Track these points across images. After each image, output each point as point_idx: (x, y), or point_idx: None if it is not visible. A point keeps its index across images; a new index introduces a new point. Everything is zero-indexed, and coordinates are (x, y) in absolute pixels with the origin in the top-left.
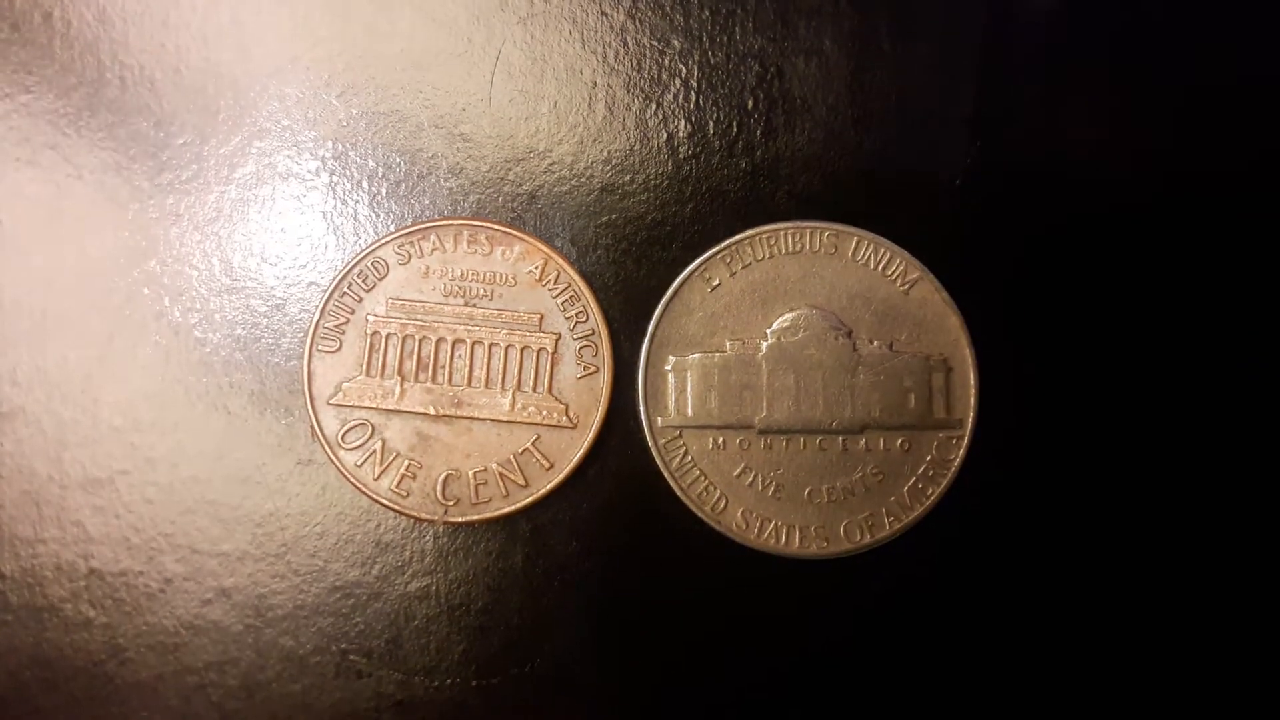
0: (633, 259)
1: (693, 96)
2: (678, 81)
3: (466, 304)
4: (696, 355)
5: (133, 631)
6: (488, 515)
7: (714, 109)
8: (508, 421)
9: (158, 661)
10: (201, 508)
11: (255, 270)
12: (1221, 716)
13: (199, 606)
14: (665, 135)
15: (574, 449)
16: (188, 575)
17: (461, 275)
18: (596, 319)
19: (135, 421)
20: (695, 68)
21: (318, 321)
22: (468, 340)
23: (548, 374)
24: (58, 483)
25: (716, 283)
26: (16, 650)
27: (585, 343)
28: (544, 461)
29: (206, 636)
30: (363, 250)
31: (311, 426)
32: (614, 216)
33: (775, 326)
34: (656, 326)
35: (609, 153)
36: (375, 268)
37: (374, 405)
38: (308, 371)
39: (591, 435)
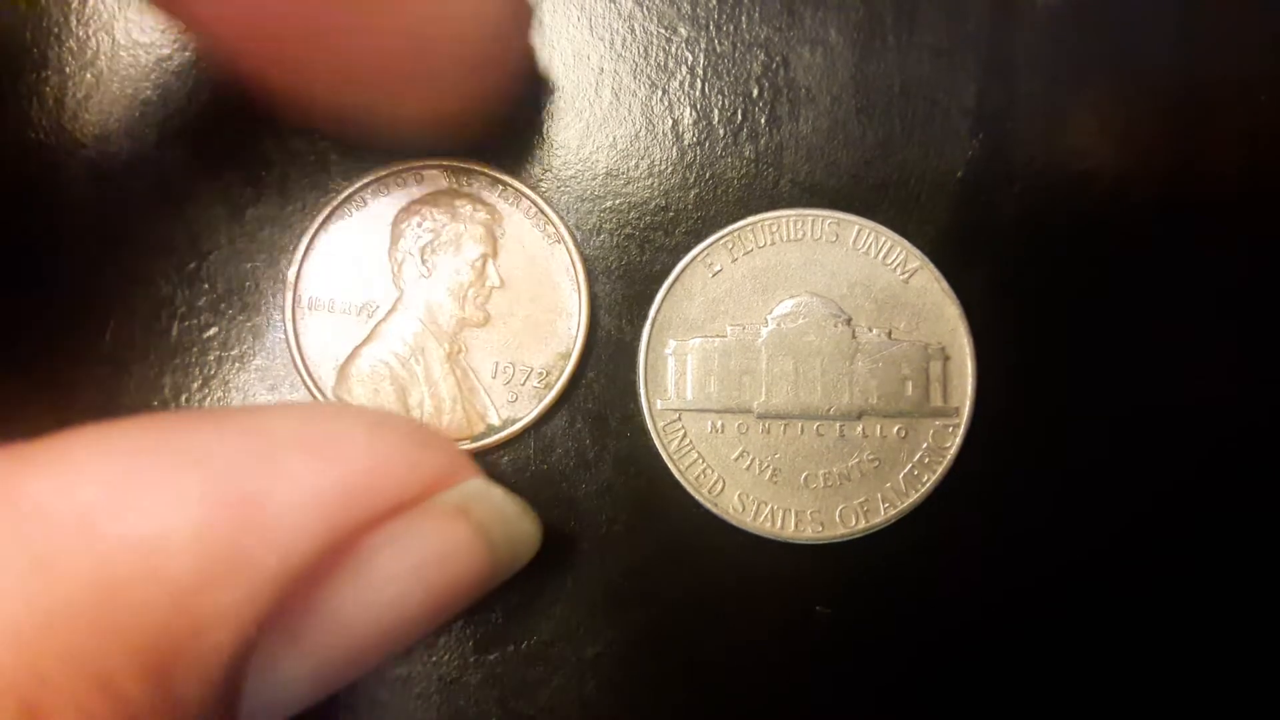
0: (636, 244)
1: (698, 84)
2: (684, 69)
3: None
4: (697, 340)
5: None
6: None
7: (719, 96)
8: None
9: None
10: None
11: None
12: (1223, 707)
13: None
14: (670, 122)
15: None
16: None
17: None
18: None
19: None
20: (701, 55)
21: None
22: None
23: None
24: None
25: (718, 268)
26: None
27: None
28: None
29: None
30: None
31: None
32: (618, 201)
33: (776, 313)
34: (658, 310)
35: (614, 138)
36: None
37: None
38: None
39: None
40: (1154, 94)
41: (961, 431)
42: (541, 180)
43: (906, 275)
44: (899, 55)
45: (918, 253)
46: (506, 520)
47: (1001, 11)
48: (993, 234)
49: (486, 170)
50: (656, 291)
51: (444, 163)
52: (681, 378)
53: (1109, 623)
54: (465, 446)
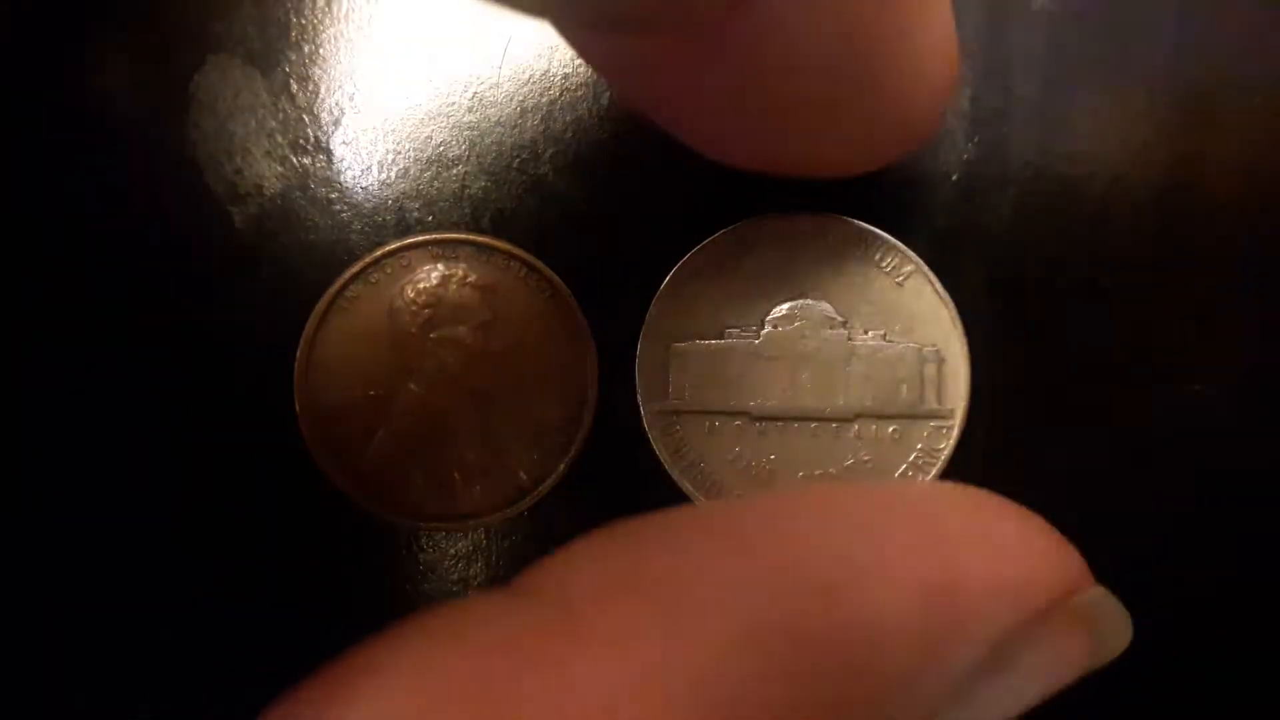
0: (634, 246)
1: None
2: None
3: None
4: (693, 342)
5: None
6: None
7: None
8: None
9: None
10: None
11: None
12: (1221, 708)
13: None
14: None
15: None
16: None
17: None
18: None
19: None
20: None
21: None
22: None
23: None
24: None
25: (715, 271)
26: None
27: None
28: None
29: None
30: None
31: None
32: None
33: (771, 315)
34: (655, 313)
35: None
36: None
37: None
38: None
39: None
40: (1150, 96)
41: (955, 433)
42: (542, 183)
43: (901, 279)
44: None
45: (913, 256)
46: (1118, 634)
47: (996, 14)
48: (988, 237)
49: (471, 239)
50: (653, 294)
51: (425, 239)
52: (678, 380)
53: None
54: (500, 514)
